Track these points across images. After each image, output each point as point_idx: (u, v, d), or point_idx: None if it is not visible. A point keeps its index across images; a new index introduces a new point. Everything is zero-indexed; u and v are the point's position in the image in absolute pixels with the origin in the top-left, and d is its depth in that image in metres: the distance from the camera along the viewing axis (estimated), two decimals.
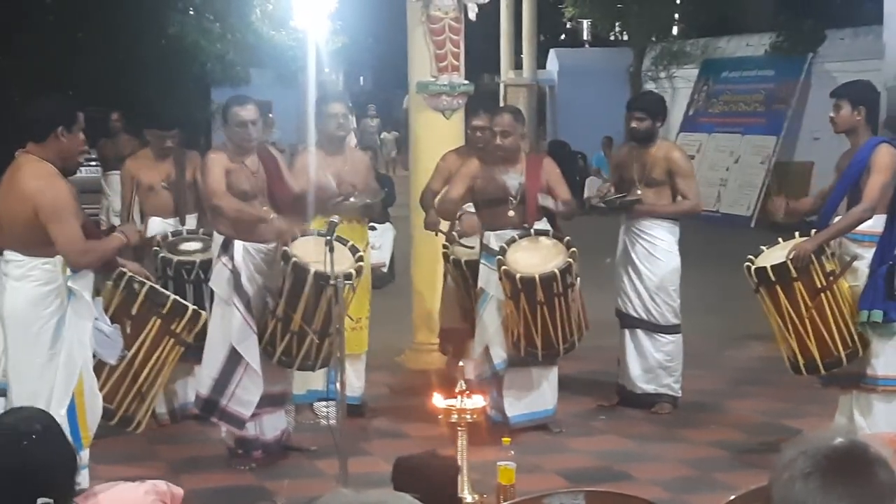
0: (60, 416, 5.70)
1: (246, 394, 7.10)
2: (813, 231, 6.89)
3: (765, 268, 6.84)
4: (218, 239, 7.22)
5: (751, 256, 7.01)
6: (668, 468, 7.16)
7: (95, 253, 6.03)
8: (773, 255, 6.96)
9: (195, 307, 6.96)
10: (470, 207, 7.94)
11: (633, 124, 8.32)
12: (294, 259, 6.92)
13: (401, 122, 19.42)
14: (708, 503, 6.41)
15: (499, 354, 7.68)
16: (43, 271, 5.78)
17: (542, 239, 7.64)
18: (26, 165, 5.80)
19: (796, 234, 6.97)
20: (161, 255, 7.94)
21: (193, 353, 7.20)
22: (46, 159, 5.78)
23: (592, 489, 4.22)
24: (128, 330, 6.50)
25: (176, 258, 7.94)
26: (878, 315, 6.64)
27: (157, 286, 6.89)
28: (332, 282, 6.35)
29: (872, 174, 6.70)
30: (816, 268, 6.74)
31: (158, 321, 6.70)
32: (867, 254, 6.73)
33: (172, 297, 6.85)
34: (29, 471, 3.13)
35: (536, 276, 7.34)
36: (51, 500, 3.14)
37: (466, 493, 5.75)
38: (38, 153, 5.79)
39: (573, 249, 7.50)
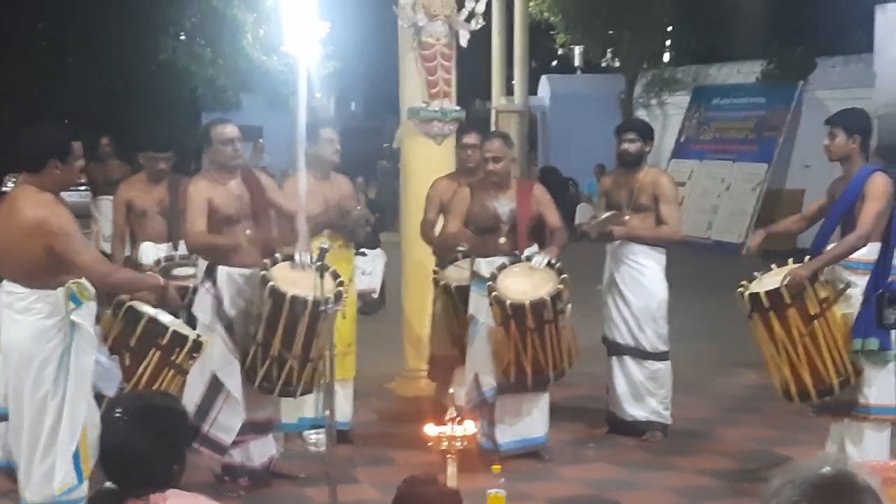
0: (71, 451, 5.64)
1: (227, 420, 7.06)
2: (807, 258, 6.86)
3: (758, 293, 6.81)
4: (202, 265, 7.19)
5: (744, 282, 6.98)
6: (658, 496, 7.11)
7: (124, 277, 5.98)
8: (767, 281, 6.92)
9: (197, 334, 6.85)
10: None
11: (625, 146, 8.29)
12: (271, 284, 6.88)
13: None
14: None
15: (488, 382, 7.64)
16: (46, 304, 5.67)
17: (534, 265, 7.60)
18: (25, 196, 5.72)
19: (790, 260, 6.95)
20: None
21: None
22: (44, 188, 5.71)
23: None
24: (126, 362, 6.41)
25: (171, 283, 7.88)
26: (873, 343, 6.61)
27: (158, 316, 6.74)
28: (321, 307, 6.32)
29: (867, 202, 6.69)
30: (811, 294, 6.72)
31: (157, 353, 6.56)
32: (861, 281, 6.70)
33: (172, 328, 6.67)
34: (114, 452, 3.43)
35: (527, 303, 7.31)
36: (115, 487, 3.38)
37: None
38: (35, 183, 5.72)
39: (564, 276, 7.46)
